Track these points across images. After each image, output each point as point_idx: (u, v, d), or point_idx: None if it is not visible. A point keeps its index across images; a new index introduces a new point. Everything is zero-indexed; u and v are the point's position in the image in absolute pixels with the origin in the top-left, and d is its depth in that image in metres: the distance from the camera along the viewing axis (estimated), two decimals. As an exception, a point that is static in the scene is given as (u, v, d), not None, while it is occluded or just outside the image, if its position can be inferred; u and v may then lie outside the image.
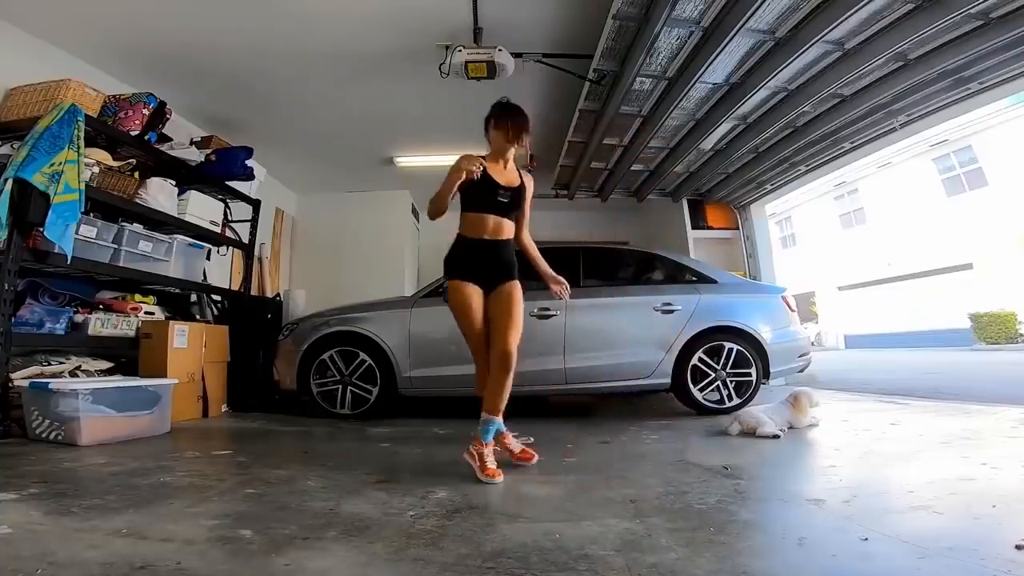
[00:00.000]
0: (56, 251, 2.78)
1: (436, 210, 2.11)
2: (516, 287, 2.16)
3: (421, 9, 3.33)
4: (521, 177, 2.24)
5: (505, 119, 2.14)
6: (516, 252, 2.29)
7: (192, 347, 3.49)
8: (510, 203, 2.16)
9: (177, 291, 4.12)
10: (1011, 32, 3.08)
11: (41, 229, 2.64)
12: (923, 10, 2.99)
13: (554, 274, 2.39)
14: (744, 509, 1.54)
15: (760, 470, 2.09)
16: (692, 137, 4.84)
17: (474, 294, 2.12)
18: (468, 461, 1.98)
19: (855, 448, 2.44)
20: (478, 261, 2.15)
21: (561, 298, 2.40)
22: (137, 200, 3.45)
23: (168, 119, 3.70)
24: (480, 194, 2.12)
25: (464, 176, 2.00)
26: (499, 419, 2.05)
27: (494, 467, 1.92)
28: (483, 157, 2.12)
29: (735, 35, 3.15)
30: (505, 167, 2.19)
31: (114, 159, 3.35)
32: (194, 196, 3.96)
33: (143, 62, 3.84)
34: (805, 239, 21.76)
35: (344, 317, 3.73)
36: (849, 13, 2.91)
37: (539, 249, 2.40)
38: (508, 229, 2.21)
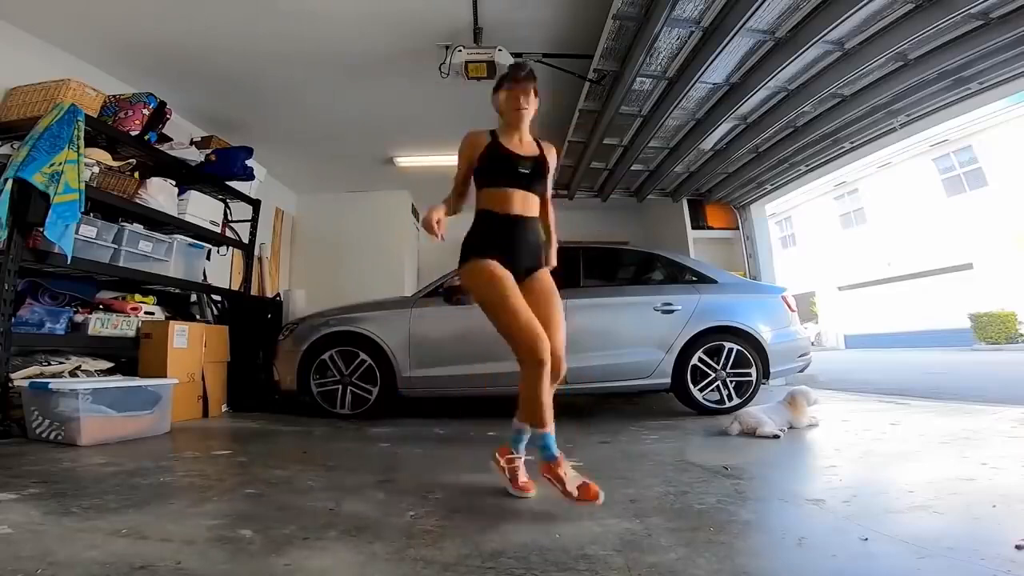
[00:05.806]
0: (56, 251, 2.78)
1: (454, 208, 1.90)
2: (551, 277, 1.89)
3: (421, 9, 3.34)
4: (541, 148, 1.95)
5: (505, 82, 1.92)
6: None
7: (192, 347, 3.49)
8: (532, 174, 1.86)
9: (177, 291, 4.12)
10: (1011, 32, 3.08)
11: (41, 229, 2.64)
12: (923, 10, 2.99)
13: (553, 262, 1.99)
14: (744, 509, 1.54)
15: (760, 470, 2.09)
16: (692, 137, 4.84)
17: (508, 272, 1.78)
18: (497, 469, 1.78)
19: (855, 448, 2.44)
20: (506, 239, 1.82)
21: None
22: (137, 200, 3.45)
23: (168, 119, 3.71)
24: (498, 168, 1.85)
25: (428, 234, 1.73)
26: (547, 431, 1.66)
27: (526, 479, 1.72)
28: (492, 132, 1.91)
29: (735, 35, 3.15)
30: (521, 140, 1.93)
31: (114, 159, 3.35)
32: (194, 196, 3.96)
33: (143, 62, 3.84)
34: (805, 239, 21.74)
35: (344, 317, 3.73)
36: (849, 13, 2.91)
37: None
38: (535, 206, 1.90)
